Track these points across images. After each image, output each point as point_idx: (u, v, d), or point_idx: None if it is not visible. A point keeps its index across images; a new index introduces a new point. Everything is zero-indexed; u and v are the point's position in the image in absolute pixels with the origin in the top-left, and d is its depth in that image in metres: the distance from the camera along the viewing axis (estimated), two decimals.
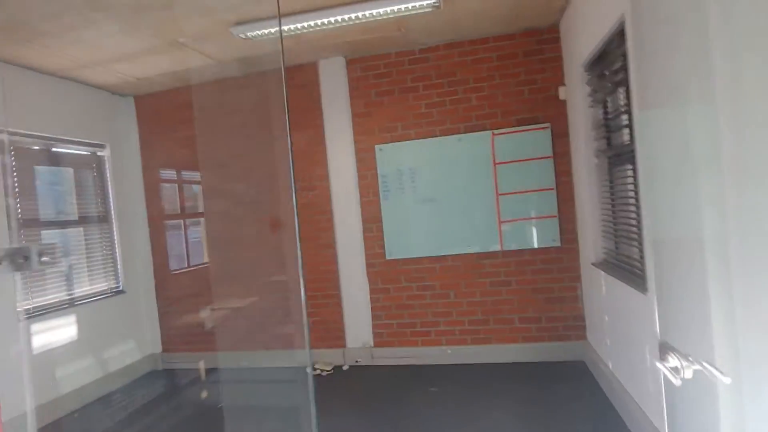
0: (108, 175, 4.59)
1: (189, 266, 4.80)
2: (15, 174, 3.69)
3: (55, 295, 3.91)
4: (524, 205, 4.02)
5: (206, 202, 4.65)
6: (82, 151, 4.37)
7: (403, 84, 4.24)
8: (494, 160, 4.04)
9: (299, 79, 4.43)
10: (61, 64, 3.78)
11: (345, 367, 4.31)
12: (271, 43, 3.76)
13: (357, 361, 4.34)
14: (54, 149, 4.05)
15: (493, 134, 4.04)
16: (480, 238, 4.10)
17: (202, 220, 4.78)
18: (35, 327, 3.67)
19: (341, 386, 3.92)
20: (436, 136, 4.17)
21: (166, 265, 4.77)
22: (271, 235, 4.52)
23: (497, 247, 4.07)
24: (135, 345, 4.65)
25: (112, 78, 4.22)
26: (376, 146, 4.28)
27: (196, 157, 4.67)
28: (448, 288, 4.20)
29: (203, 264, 4.85)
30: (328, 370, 4.24)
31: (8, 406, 3.44)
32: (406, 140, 4.23)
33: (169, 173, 4.75)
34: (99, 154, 4.53)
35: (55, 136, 4.04)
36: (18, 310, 3.55)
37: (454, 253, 4.16)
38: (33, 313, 3.69)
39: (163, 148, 4.76)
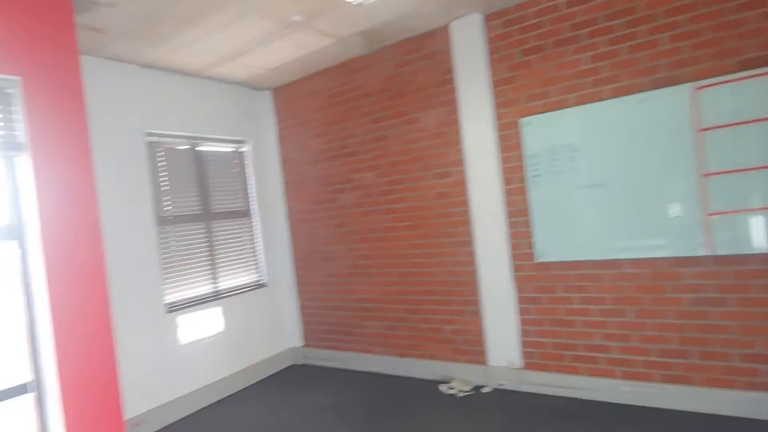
0: (249, 170, 4.68)
1: (327, 260, 4.65)
2: (164, 173, 3.91)
3: (201, 287, 4.10)
4: (747, 190, 2.71)
5: (341, 194, 4.40)
6: (225, 148, 4.51)
7: (558, 34, 3.25)
8: (697, 126, 2.81)
9: (427, 49, 3.79)
10: (196, 63, 3.86)
11: (486, 389, 3.60)
12: (389, 8, 3.21)
13: (501, 384, 3.58)
14: (198, 148, 4.23)
15: (697, 88, 2.80)
16: (674, 237, 2.92)
17: (338, 212, 4.55)
18: (181, 319, 3.87)
19: (480, 413, 3.24)
20: (605, 99, 3.10)
21: (307, 259, 4.70)
22: (407, 230, 4.04)
23: (702, 251, 2.84)
24: (277, 338, 4.71)
25: (244, 72, 4.22)
26: (522, 120, 3.40)
27: (330, 146, 4.44)
28: (625, 303, 3.12)
29: (339, 258, 4.66)
30: (465, 390, 3.59)
31: (152, 396, 3.66)
32: (561, 108, 3.25)
33: (306, 165, 4.63)
34: (241, 150, 4.64)
35: (200, 135, 4.20)
36: (163, 302, 3.77)
37: (633, 257, 3.06)
38: (179, 305, 3.90)
39: (299, 140, 4.65)
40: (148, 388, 3.57)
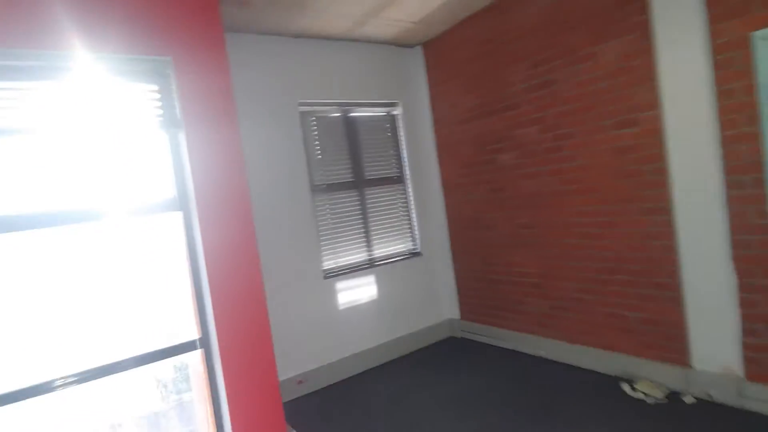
0: (401, 133, 4.48)
1: (483, 228, 4.22)
2: (317, 142, 3.97)
3: (356, 255, 4.12)
4: None
5: (498, 154, 3.89)
6: (377, 113, 4.37)
7: None
8: None
9: None
10: (341, 26, 3.73)
11: (687, 399, 2.79)
12: None
13: (709, 395, 2.74)
14: (350, 114, 4.17)
15: None
16: None
17: (495, 175, 4.06)
18: (338, 285, 3.95)
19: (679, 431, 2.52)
20: None
21: (462, 227, 4.35)
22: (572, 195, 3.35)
23: None
24: (433, 309, 4.53)
25: (390, 29, 3.95)
26: (756, 34, 2.37)
27: (484, 100, 3.93)
28: None
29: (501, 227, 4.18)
30: (657, 398, 2.85)
31: (313, 357, 3.82)
32: None
33: (459, 124, 4.22)
34: (392, 113, 4.45)
35: (351, 101, 4.14)
36: (321, 269, 3.88)
37: None
38: (335, 272, 3.98)
39: (451, 97, 4.25)
40: (309, 349, 3.76)
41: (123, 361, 2.40)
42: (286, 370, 3.62)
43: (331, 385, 3.80)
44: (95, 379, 2.31)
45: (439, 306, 4.58)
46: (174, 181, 2.55)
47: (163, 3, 2.46)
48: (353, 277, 4.05)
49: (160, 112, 2.49)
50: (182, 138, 2.51)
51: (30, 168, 2.31)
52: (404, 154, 4.48)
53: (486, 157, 4.00)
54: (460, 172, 4.29)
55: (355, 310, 4.04)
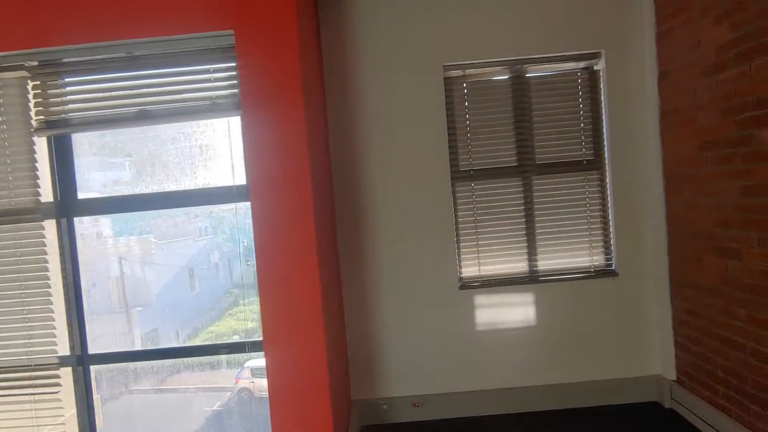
0: (603, 97, 3.08)
1: (724, 254, 2.53)
2: (467, 115, 3.10)
3: (510, 264, 3.13)
4: None
5: (759, 129, 2.18)
6: (563, 69, 3.10)
7: None
8: None
9: None
10: None
11: None
12: None
13: None
14: (523, 74, 3.08)
15: None
16: None
17: (752, 163, 2.32)
18: (478, 299, 3.09)
19: None
20: None
21: (690, 244, 2.74)
22: None
23: None
24: (628, 356, 3.09)
25: None
26: None
27: (747, 33, 2.24)
28: None
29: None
30: None
31: (436, 381, 3.16)
32: None
33: (698, 78, 2.56)
34: (590, 67, 3.09)
35: (522, 57, 3.05)
36: (457, 276, 3.09)
37: None
38: (477, 282, 3.12)
39: (690, 34, 2.60)
40: (431, 369, 3.11)
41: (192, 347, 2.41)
42: (399, 387, 3.11)
43: (455, 419, 3.07)
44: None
45: (641, 354, 3.10)
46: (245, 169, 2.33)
47: None
48: (502, 291, 3.10)
49: (221, 93, 2.26)
50: (240, 121, 2.23)
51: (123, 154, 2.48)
52: (605, 127, 3.08)
53: (737, 132, 2.30)
54: (694, 157, 2.65)
55: (501, 334, 3.10)
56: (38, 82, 2.31)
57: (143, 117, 2.30)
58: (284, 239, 2.23)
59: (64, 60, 2.28)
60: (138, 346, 3.11)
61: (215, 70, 2.26)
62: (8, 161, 2.30)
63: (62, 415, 2.36)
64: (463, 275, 3.13)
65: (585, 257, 3.12)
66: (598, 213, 3.12)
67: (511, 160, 3.11)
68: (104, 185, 2.65)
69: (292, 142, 2.20)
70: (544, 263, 3.12)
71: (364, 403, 3.11)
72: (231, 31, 2.19)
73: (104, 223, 3.63)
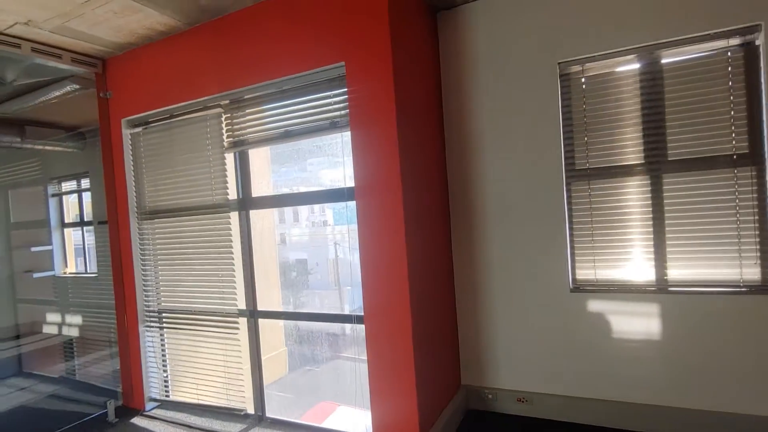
0: (762, 78, 2.55)
1: None
2: (584, 110, 2.97)
3: (632, 270, 2.88)
4: None
5: None
6: (706, 51, 2.67)
7: None
8: None
9: None
10: None
11: None
12: None
13: None
14: (655, 61, 2.79)
15: None
16: None
17: None
18: (591, 304, 2.96)
19: None
20: None
21: None
22: None
23: None
24: None
25: None
26: None
27: None
28: None
29: None
30: None
31: (540, 380, 3.18)
32: None
33: None
34: (744, 43, 2.58)
35: (657, 41, 2.76)
36: (569, 278, 3.01)
37: None
38: (592, 286, 2.98)
39: None
40: (539, 369, 3.13)
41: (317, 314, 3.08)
42: (507, 380, 3.22)
43: (559, 422, 3.03)
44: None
45: None
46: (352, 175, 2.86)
47: (339, 13, 2.70)
48: (621, 298, 2.89)
49: (338, 113, 2.82)
50: (348, 137, 2.75)
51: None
52: (765, 114, 2.55)
53: None
54: None
55: (616, 344, 2.90)
56: (228, 114, 3.27)
57: (288, 135, 3.04)
58: (379, 233, 2.67)
59: (246, 96, 3.18)
60: None
61: (334, 95, 2.83)
62: (211, 171, 3.34)
63: (239, 347, 3.33)
64: (577, 278, 3.04)
65: (732, 269, 2.66)
66: (752, 217, 2.61)
67: (636, 157, 2.86)
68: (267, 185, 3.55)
69: (386, 154, 2.62)
70: (677, 272, 2.78)
71: (472, 388, 3.33)
72: (343, 63, 2.72)
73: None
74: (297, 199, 3.59)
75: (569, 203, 3.03)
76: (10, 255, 5.85)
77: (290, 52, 2.88)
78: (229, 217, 3.31)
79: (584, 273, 3.02)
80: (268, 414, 3.37)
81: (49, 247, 5.77)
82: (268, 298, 4.05)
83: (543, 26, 3.01)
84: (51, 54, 3.37)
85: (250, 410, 3.37)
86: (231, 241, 3.30)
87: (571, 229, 3.04)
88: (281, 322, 4.67)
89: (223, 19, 3.14)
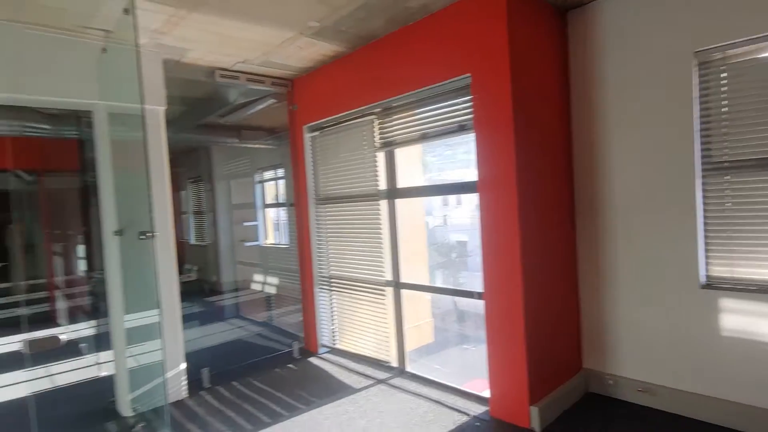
0: None
1: None
2: (725, 101, 2.83)
3: None
4: None
5: None
6: None
7: None
8: None
9: None
10: None
11: None
12: None
13: None
14: None
15: None
16: None
17: None
18: (724, 303, 2.85)
19: None
20: None
21: None
22: None
23: None
24: None
25: None
26: None
27: None
28: None
29: None
30: None
31: (663, 373, 3.20)
32: None
33: None
34: None
35: None
36: (699, 274, 2.94)
37: None
38: (727, 284, 2.86)
39: None
40: (663, 361, 3.14)
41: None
42: (629, 368, 3.31)
43: (680, 416, 3.02)
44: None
45: None
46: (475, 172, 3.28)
47: (467, 34, 3.13)
48: (760, 299, 2.74)
49: (464, 118, 3.26)
50: (474, 137, 3.18)
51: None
52: None
53: None
54: None
55: (750, 346, 2.77)
56: (380, 120, 3.98)
57: (425, 137, 3.60)
58: (496, 221, 3.07)
59: (393, 105, 3.84)
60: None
61: (462, 102, 3.28)
62: (365, 166, 4.12)
63: (386, 311, 4.08)
64: (711, 274, 2.95)
65: None
66: None
67: None
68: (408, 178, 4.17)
69: (503, 153, 2.99)
70: None
71: (594, 372, 3.49)
72: (469, 75, 3.15)
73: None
74: (432, 191, 4.16)
75: (704, 197, 2.94)
76: (231, 228, 7.75)
77: (427, 66, 3.42)
78: (379, 205, 4.05)
79: (719, 270, 2.92)
80: (408, 369, 4.07)
81: (255, 223, 7.49)
82: (416, 273, 4.71)
83: (678, 15, 2.94)
84: (258, 81, 4.53)
85: (394, 364, 4.11)
86: (380, 224, 4.04)
87: (705, 224, 2.95)
88: (428, 296, 5.35)
89: (376, 43, 3.83)
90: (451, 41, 3.24)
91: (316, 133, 4.70)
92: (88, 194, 5.73)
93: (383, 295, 4.09)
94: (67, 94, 3.41)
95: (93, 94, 3.46)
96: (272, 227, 7.51)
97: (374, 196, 4.09)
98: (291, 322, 5.63)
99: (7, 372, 4.76)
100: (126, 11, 2.70)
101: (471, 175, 3.31)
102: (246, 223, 7.69)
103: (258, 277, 7.21)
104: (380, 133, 3.99)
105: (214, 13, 3.13)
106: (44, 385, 4.42)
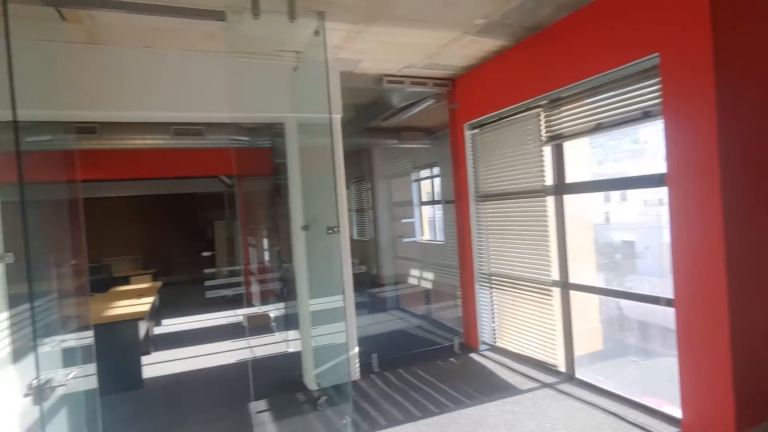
0: None
1: None
2: None
3: None
4: None
5: None
6: None
7: None
8: None
9: None
10: None
11: None
12: None
13: None
14: None
15: None
16: None
17: None
18: None
19: None
20: None
21: None
22: None
23: None
24: None
25: None
26: None
27: None
28: None
29: None
30: None
31: None
32: None
33: None
34: None
35: None
36: None
37: None
38: None
39: None
40: None
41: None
42: None
43: None
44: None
45: None
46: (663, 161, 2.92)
47: (653, 4, 2.81)
48: None
49: (647, 104, 2.93)
50: (661, 123, 2.84)
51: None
52: None
53: None
54: None
55: None
56: (547, 113, 3.81)
57: (599, 128, 3.33)
58: (692, 218, 2.69)
59: (561, 96, 3.64)
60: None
61: (645, 86, 2.95)
62: (530, 162, 3.98)
63: (552, 312, 3.90)
64: None
65: None
66: None
67: None
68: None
69: (702, 141, 2.60)
70: None
71: None
72: (656, 54, 2.81)
73: (663, 191, 4.91)
74: (605, 185, 3.81)
75: None
76: (391, 225, 8.21)
77: (602, 51, 3.16)
78: (545, 201, 3.87)
79: None
80: (577, 376, 3.82)
81: (412, 220, 7.80)
82: (581, 276, 4.41)
83: None
84: (421, 83, 4.72)
85: (561, 368, 3.90)
86: (546, 221, 3.87)
87: None
88: (596, 299, 4.94)
89: (542, 33, 3.67)
90: (633, 20, 2.94)
91: (477, 131, 4.70)
92: (276, 195, 6.66)
93: (549, 295, 3.91)
94: (267, 110, 4.02)
95: (286, 108, 4.01)
96: (428, 224, 7.74)
97: (540, 192, 3.93)
98: (449, 316, 5.74)
99: (214, 342, 5.83)
100: (316, 32, 3.08)
101: (643, 167, 2.96)
102: (404, 220, 8.06)
103: (415, 272, 7.51)
104: (546, 127, 3.81)
105: (388, 23, 3.36)
106: (244, 355, 5.30)
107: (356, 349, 4.15)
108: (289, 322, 5.55)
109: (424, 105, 5.39)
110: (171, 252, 12.37)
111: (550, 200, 3.88)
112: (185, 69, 3.69)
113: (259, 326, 6.04)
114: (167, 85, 3.64)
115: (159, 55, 3.61)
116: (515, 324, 4.38)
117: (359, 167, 8.86)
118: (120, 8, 2.75)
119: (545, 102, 3.79)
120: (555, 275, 3.88)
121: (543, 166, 3.87)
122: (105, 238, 11.00)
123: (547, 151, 3.86)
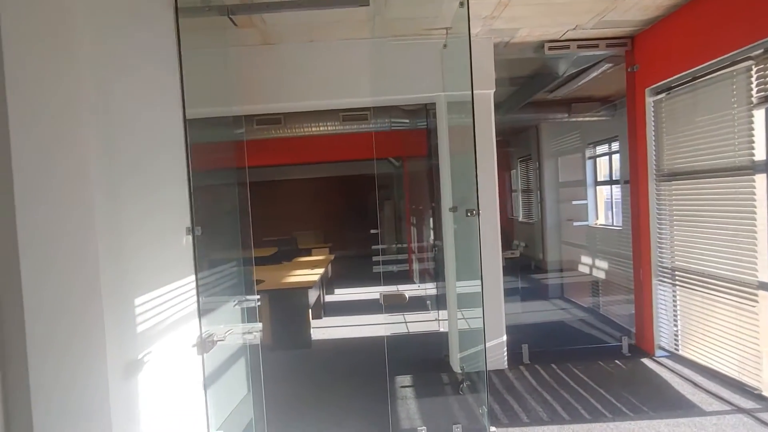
0: None
1: None
2: None
3: None
4: None
5: None
6: None
7: None
8: None
9: None
10: None
11: None
12: None
13: None
14: None
15: None
16: None
17: None
18: None
19: None
20: None
21: None
22: None
23: None
24: None
25: None
26: None
27: None
28: None
29: None
30: None
31: None
32: None
33: None
34: None
35: None
36: None
37: None
38: None
39: None
40: None
41: None
42: None
43: None
44: None
45: None
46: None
47: None
48: None
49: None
50: None
51: None
52: None
53: None
54: None
55: None
56: (762, 66, 2.94)
57: None
58: None
59: None
60: None
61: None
62: (735, 131, 3.14)
63: (757, 321, 3.07)
64: None
65: None
66: None
67: None
68: None
69: None
70: None
71: None
72: None
73: None
74: None
75: None
76: (557, 207, 7.55)
77: None
78: (753, 180, 3.03)
79: None
80: None
81: (584, 202, 7.01)
82: None
83: None
84: (591, 46, 4.13)
85: (766, 393, 3.08)
86: (754, 206, 3.03)
87: None
88: None
89: None
90: None
91: (662, 95, 3.92)
92: (433, 176, 6.72)
93: (754, 300, 3.09)
94: (420, 90, 4.03)
95: (437, 87, 3.95)
96: (604, 206, 6.87)
97: (746, 169, 3.09)
98: (620, 313, 5.03)
99: (376, 314, 6.22)
100: (461, 4, 2.92)
101: None
102: (575, 202, 7.31)
103: (585, 260, 6.77)
104: (760, 85, 2.95)
105: None
106: (399, 329, 5.54)
107: (503, 337, 3.96)
108: (441, 301, 5.61)
109: (599, 70, 4.71)
110: (345, 228, 13.64)
111: (761, 179, 3.02)
112: (344, 57, 3.92)
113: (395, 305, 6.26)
114: (332, 75, 3.93)
115: (322, 47, 3.91)
116: (705, 331, 3.59)
117: (526, 145, 8.32)
118: (275, 9, 3.02)
119: (760, 52, 2.93)
120: (764, 276, 3.04)
121: (753, 136, 3.03)
122: (293, 214, 12.68)
123: (759, 116, 3.00)
